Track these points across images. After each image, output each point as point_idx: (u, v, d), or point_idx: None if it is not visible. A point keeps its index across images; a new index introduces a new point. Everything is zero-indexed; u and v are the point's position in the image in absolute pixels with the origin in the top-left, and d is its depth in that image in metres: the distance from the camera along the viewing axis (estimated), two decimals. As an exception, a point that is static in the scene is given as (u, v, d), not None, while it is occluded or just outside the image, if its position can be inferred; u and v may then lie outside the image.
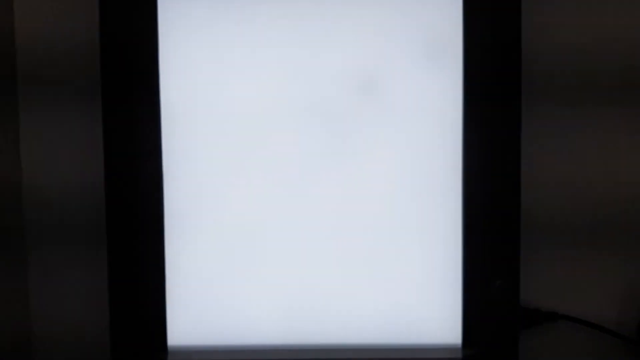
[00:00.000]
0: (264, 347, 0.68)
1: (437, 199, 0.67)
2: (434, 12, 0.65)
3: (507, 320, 0.66)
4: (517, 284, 0.66)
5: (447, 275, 0.67)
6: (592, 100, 0.72)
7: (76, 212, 0.75)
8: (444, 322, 0.67)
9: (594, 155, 0.73)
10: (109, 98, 0.65)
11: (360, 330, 0.68)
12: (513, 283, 0.66)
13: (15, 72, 0.73)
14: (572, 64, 0.72)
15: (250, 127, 0.67)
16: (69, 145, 0.74)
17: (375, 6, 0.65)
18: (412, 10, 0.65)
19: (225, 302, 0.68)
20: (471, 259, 0.66)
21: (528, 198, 0.69)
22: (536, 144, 0.72)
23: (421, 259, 0.67)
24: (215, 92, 0.67)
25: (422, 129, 0.66)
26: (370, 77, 0.66)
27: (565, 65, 0.72)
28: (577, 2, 0.71)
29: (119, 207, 0.66)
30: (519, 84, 0.64)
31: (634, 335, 0.73)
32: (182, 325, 0.68)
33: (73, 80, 0.73)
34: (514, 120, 0.65)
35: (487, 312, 0.66)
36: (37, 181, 0.74)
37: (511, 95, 0.65)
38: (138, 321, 0.67)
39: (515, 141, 0.65)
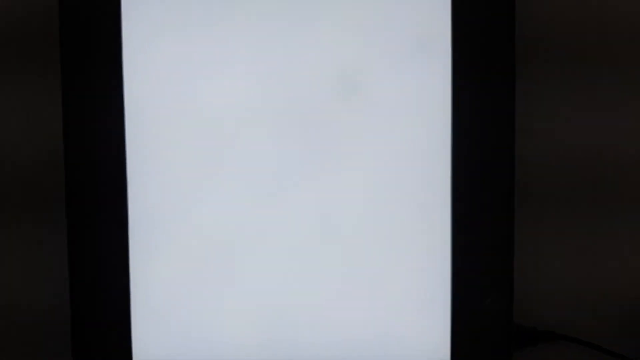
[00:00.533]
0: None
1: (424, 208, 0.64)
2: (420, 3, 0.62)
3: (499, 340, 0.63)
4: (510, 301, 0.63)
5: (435, 291, 0.64)
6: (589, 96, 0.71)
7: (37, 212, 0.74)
8: (431, 341, 0.64)
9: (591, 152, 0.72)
10: (69, 91, 0.62)
11: (339, 348, 0.65)
12: (506, 299, 0.63)
13: None
14: (569, 36, 0.71)
15: (222, 128, 0.64)
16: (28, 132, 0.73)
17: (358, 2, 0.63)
18: (396, 1, 0.62)
19: (195, 315, 0.65)
20: (460, 273, 0.63)
21: (522, 208, 0.66)
22: (532, 148, 0.71)
23: (407, 273, 0.64)
24: (184, 90, 0.64)
25: (407, 133, 0.63)
26: (351, 74, 0.63)
27: (560, 41, 0.71)
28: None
29: (80, 213, 0.64)
30: (513, 83, 0.61)
31: (636, 357, 0.70)
32: (148, 340, 0.65)
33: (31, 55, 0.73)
34: (507, 124, 0.62)
35: (478, 330, 0.63)
36: None
37: (504, 96, 0.62)
38: (101, 335, 0.65)
39: (509, 147, 0.62)
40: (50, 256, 0.74)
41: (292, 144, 0.64)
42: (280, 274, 0.65)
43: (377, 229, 0.64)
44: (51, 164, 0.72)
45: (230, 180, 0.64)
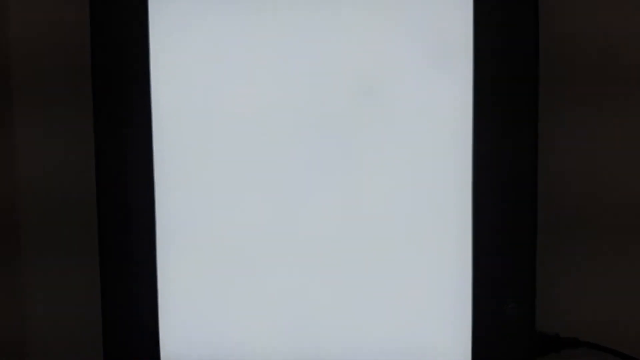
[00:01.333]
0: None
1: (445, 213, 0.63)
2: (443, 10, 0.62)
3: (521, 346, 0.63)
4: (532, 306, 0.62)
5: (456, 296, 0.64)
6: (613, 102, 0.69)
7: (71, 220, 0.75)
8: (452, 347, 0.64)
9: (618, 166, 0.70)
10: (100, 104, 0.64)
11: (362, 353, 0.65)
12: (528, 305, 0.62)
13: (9, 75, 0.74)
14: (592, 58, 0.69)
15: (246, 134, 0.64)
16: (63, 149, 0.75)
17: (379, 4, 0.62)
18: (420, 8, 0.62)
19: (219, 317, 0.66)
20: (482, 279, 0.63)
21: (546, 212, 0.65)
22: (554, 152, 0.69)
23: (428, 278, 0.64)
24: (209, 96, 0.64)
25: (429, 137, 0.63)
26: (374, 79, 0.63)
27: (584, 59, 0.69)
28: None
29: (110, 219, 0.65)
30: (536, 88, 0.61)
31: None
32: (175, 340, 0.66)
33: (65, 80, 0.74)
34: (529, 127, 0.61)
35: (499, 336, 0.63)
36: (32, 184, 0.75)
37: (526, 100, 0.61)
38: (131, 338, 0.66)
39: (532, 150, 0.61)
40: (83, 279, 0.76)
41: (316, 150, 0.64)
42: (303, 279, 0.65)
43: (398, 236, 0.64)
44: (82, 172, 0.73)
45: (255, 187, 0.65)
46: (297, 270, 0.65)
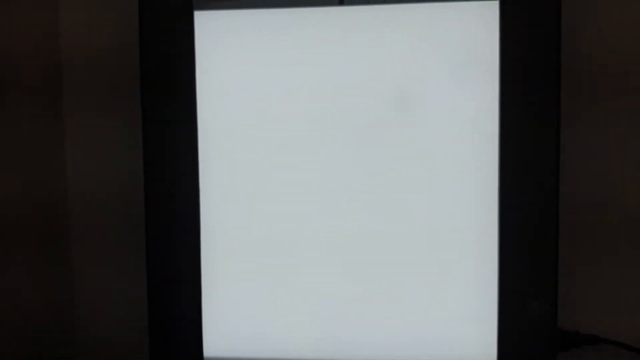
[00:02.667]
0: None
1: (472, 216, 0.66)
2: (470, 25, 0.64)
3: (543, 343, 0.64)
4: (554, 305, 0.64)
5: (482, 296, 0.66)
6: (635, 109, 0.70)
7: (118, 221, 0.78)
8: (478, 344, 0.66)
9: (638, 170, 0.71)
10: (149, 115, 0.66)
11: (394, 349, 0.67)
12: (550, 304, 0.64)
13: (61, 81, 0.76)
14: (614, 71, 0.70)
15: (285, 143, 0.67)
16: (112, 155, 0.77)
17: (409, 20, 0.65)
18: (447, 22, 0.64)
19: (260, 315, 0.68)
20: (507, 279, 0.64)
21: (567, 215, 0.67)
22: (576, 159, 0.70)
23: (456, 278, 0.66)
24: (250, 107, 0.67)
25: (457, 145, 0.65)
26: (404, 91, 0.66)
27: (607, 73, 0.70)
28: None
29: (157, 221, 0.67)
30: (558, 98, 0.63)
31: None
32: (218, 337, 0.68)
33: (115, 88, 0.76)
34: (553, 136, 0.63)
35: (523, 333, 0.65)
36: (81, 186, 0.77)
37: (550, 110, 0.63)
38: (175, 332, 0.68)
39: (554, 157, 0.63)
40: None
41: (351, 158, 0.66)
42: (337, 278, 0.67)
43: (427, 236, 0.66)
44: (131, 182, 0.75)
45: (295, 191, 0.67)
46: (333, 269, 0.67)
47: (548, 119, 0.63)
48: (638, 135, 0.71)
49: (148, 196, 0.67)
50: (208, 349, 0.68)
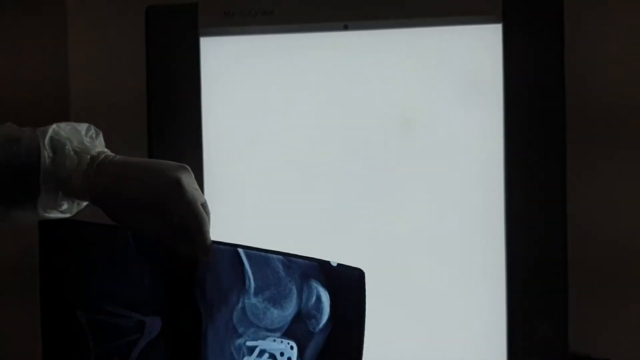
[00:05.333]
0: None
1: (480, 238, 0.65)
2: (474, 50, 0.65)
3: None
4: (565, 328, 0.64)
5: (491, 318, 0.65)
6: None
7: None
8: None
9: None
10: (155, 141, 0.67)
11: None
12: (560, 327, 0.64)
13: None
14: (620, 100, 0.71)
15: (291, 165, 0.67)
16: None
17: (414, 44, 0.66)
18: (452, 47, 0.65)
19: None
20: (516, 301, 0.64)
21: (577, 237, 0.67)
22: (583, 182, 0.70)
23: (464, 300, 0.66)
24: (257, 130, 0.67)
25: (463, 168, 0.66)
26: (410, 115, 0.66)
27: (613, 102, 0.71)
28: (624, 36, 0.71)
29: None
30: (563, 122, 0.63)
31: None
32: None
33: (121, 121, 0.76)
34: (558, 158, 0.63)
35: (533, 357, 0.64)
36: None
37: (555, 134, 0.63)
38: None
39: (561, 179, 0.63)
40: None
41: (358, 179, 0.67)
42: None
43: (434, 259, 0.66)
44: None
45: (300, 212, 0.67)
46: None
47: (554, 140, 0.63)
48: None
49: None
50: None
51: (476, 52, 0.65)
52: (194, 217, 0.49)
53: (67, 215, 0.51)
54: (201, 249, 0.50)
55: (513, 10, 0.63)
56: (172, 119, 0.67)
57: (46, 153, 0.48)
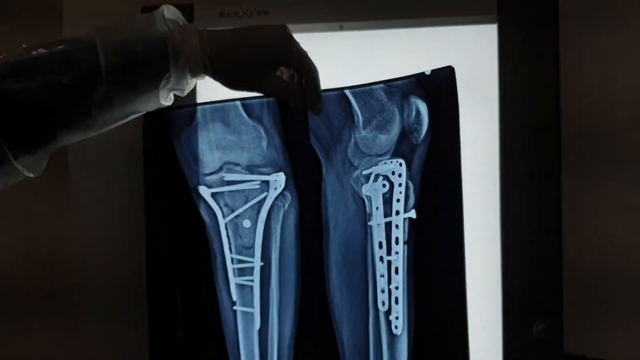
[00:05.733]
0: None
1: (475, 236, 0.64)
2: (469, 50, 0.65)
3: None
4: (560, 328, 0.64)
5: (487, 320, 0.65)
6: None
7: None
8: None
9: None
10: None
11: None
12: (556, 327, 0.64)
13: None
14: (613, 111, 0.70)
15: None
16: None
17: (409, 45, 0.66)
18: (447, 48, 0.65)
19: None
20: (511, 301, 0.64)
21: (572, 237, 0.67)
22: (578, 181, 0.70)
23: None
24: None
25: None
26: None
27: (604, 111, 0.71)
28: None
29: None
30: (558, 121, 0.63)
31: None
32: None
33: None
34: (553, 159, 0.63)
35: (529, 357, 0.64)
36: None
37: (549, 137, 0.64)
38: None
39: (556, 178, 0.63)
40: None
41: None
42: None
43: None
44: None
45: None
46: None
47: (548, 140, 0.63)
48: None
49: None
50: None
51: (471, 53, 0.65)
52: (307, 66, 0.53)
53: (184, 93, 0.53)
54: (314, 97, 0.54)
55: (508, 10, 0.63)
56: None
57: (174, 34, 0.50)
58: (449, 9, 0.64)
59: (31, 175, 0.50)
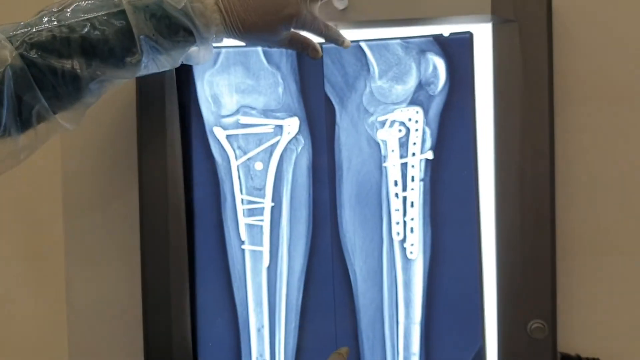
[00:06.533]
0: None
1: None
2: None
3: None
4: (554, 327, 0.63)
5: (482, 318, 0.64)
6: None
7: None
8: None
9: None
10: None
11: None
12: (550, 325, 0.63)
13: None
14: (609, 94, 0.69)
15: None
16: None
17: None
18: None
19: None
20: (506, 300, 0.63)
21: (566, 236, 0.66)
22: (572, 176, 0.69)
23: None
24: None
25: None
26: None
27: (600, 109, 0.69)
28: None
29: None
30: (551, 117, 0.64)
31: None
32: None
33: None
34: (547, 159, 0.64)
35: (523, 356, 0.63)
36: None
37: (543, 137, 0.64)
38: None
39: (549, 174, 0.64)
40: None
41: None
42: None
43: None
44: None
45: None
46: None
47: (542, 137, 0.64)
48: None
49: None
50: None
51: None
52: (319, 26, 0.56)
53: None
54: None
55: (502, 10, 0.64)
56: (161, 123, 0.64)
57: None
58: (444, 9, 0.65)
59: (70, 127, 0.53)
